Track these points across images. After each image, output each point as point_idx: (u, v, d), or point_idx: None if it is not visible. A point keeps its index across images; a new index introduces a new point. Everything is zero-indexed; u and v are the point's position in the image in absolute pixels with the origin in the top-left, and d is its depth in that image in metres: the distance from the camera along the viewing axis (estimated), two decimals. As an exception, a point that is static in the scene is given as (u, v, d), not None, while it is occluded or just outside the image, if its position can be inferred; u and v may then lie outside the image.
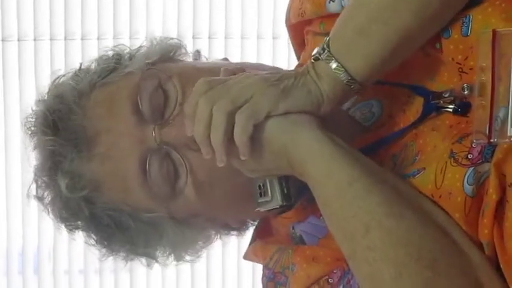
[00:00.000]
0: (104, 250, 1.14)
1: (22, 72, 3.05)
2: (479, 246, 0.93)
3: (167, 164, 1.05)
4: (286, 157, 0.97)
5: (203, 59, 1.20)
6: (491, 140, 0.92)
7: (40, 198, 1.12)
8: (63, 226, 1.13)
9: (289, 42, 1.24)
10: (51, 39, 3.04)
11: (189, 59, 1.18)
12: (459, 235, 0.94)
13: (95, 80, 1.10)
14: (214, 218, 1.14)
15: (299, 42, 1.20)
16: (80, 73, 1.13)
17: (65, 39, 3.05)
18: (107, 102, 1.08)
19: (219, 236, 1.18)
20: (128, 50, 1.15)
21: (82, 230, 1.13)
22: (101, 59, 1.14)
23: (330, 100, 0.97)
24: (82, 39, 3.06)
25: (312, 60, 0.98)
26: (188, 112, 0.99)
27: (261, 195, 1.04)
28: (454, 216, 0.94)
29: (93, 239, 1.13)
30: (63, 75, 1.14)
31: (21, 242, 3.13)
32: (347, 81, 0.96)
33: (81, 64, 1.15)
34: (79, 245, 3.10)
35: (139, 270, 3.16)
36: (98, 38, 3.06)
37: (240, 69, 1.04)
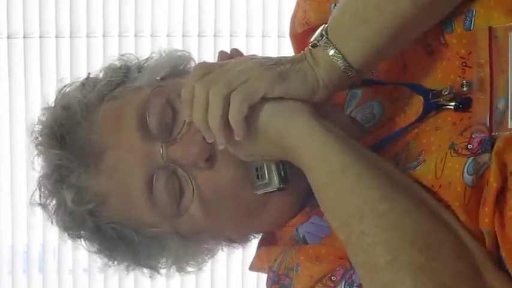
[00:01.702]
0: (105, 260, 1.15)
1: (27, 69, 3.06)
2: (479, 236, 0.93)
3: (173, 181, 1.05)
4: (280, 144, 0.98)
5: None
6: (493, 133, 0.92)
7: (44, 206, 1.12)
8: (66, 235, 1.13)
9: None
10: (56, 37, 3.05)
11: None
12: (455, 224, 0.93)
13: (102, 93, 1.10)
14: (218, 234, 1.15)
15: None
16: (88, 83, 1.13)
17: (71, 36, 3.06)
18: (114, 117, 1.08)
19: (221, 248, 1.18)
20: (136, 61, 1.16)
21: (85, 240, 1.13)
22: (108, 69, 1.14)
23: (326, 86, 0.98)
24: (88, 36, 3.06)
25: (310, 47, 0.98)
26: (185, 97, 0.99)
27: (258, 178, 1.04)
28: (453, 206, 0.93)
29: (96, 248, 1.13)
30: (71, 84, 1.14)
31: (26, 240, 3.14)
32: (344, 68, 0.97)
33: (89, 74, 1.15)
34: (83, 244, 3.11)
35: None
36: (104, 36, 3.06)
37: (238, 53, 1.05)
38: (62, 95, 1.12)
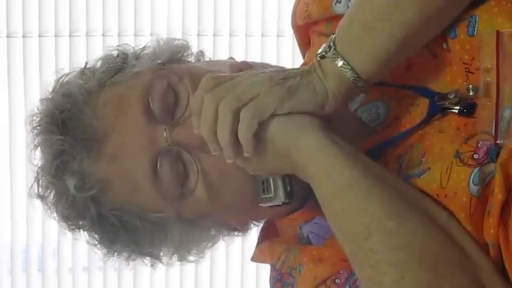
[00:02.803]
0: (106, 250, 1.13)
1: (27, 68, 3.05)
2: (484, 246, 0.93)
3: (177, 164, 1.05)
4: (288, 158, 0.98)
5: (207, 59, 1.20)
6: (498, 141, 0.92)
7: (42, 197, 1.11)
8: (65, 225, 1.12)
9: (294, 40, 1.24)
10: (56, 36, 3.04)
11: (194, 59, 1.17)
12: (461, 236, 0.93)
13: (103, 79, 1.09)
14: (221, 220, 1.14)
15: (305, 43, 1.20)
16: (87, 72, 1.12)
17: (70, 35, 3.05)
18: (116, 102, 1.07)
19: (221, 236, 1.17)
20: (132, 50, 1.15)
21: (85, 230, 1.12)
22: (106, 58, 1.13)
23: (335, 98, 0.97)
24: (87, 35, 3.06)
25: (318, 58, 0.98)
26: (194, 109, 0.99)
27: (264, 191, 1.04)
28: (459, 216, 0.93)
29: (96, 239, 1.12)
30: (68, 74, 1.12)
31: (25, 239, 3.14)
32: (353, 79, 0.96)
33: (86, 63, 1.14)
34: (83, 243, 3.10)
35: (143, 269, 3.16)
36: (103, 35, 3.06)
37: (247, 66, 1.05)
38: (61, 84, 1.11)
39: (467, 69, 0.99)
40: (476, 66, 0.98)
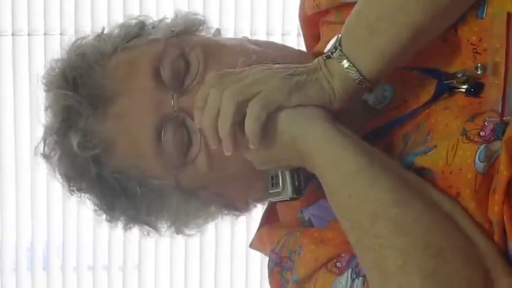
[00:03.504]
0: (104, 215, 1.13)
1: (16, 67, 3.07)
2: (488, 225, 0.93)
3: (182, 131, 1.05)
4: (295, 149, 0.98)
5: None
6: (504, 118, 0.92)
7: (47, 157, 1.11)
8: (67, 186, 1.12)
9: (299, 38, 1.24)
10: (61, 34, 3.05)
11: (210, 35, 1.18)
12: (465, 222, 0.93)
13: (118, 43, 1.11)
14: (220, 194, 1.14)
15: (314, 35, 1.20)
16: (103, 35, 1.13)
17: (60, 34, 3.06)
18: (128, 65, 1.08)
19: (221, 215, 1.17)
20: (151, 20, 1.16)
21: (85, 192, 1.12)
22: (123, 26, 1.14)
23: (342, 97, 0.98)
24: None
25: (324, 58, 0.99)
26: (198, 103, 0.99)
27: (272, 186, 1.04)
28: (463, 193, 0.93)
29: (95, 203, 1.12)
30: (85, 37, 1.13)
31: (30, 238, 3.14)
32: (359, 80, 0.97)
33: (103, 28, 1.15)
34: (88, 242, 3.12)
35: (147, 266, 3.16)
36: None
37: (255, 62, 1.04)
38: (76, 46, 1.12)
39: (474, 50, 0.99)
40: (483, 47, 0.98)
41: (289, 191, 1.03)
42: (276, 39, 3.16)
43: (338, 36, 0.98)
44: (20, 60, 3.07)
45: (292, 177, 1.03)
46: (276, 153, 0.99)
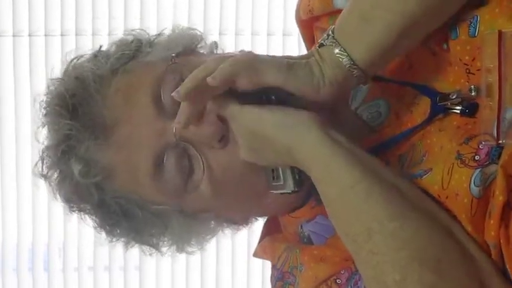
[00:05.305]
0: (106, 235, 1.14)
1: (17, 67, 3.06)
2: (485, 247, 0.92)
3: (183, 159, 1.05)
4: (290, 156, 0.98)
5: (220, 51, 1.20)
6: (499, 142, 0.92)
7: (46, 177, 1.11)
8: (67, 207, 1.12)
9: (300, 39, 1.24)
10: (62, 35, 3.05)
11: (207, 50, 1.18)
12: (464, 236, 0.93)
13: (116, 66, 1.09)
14: (222, 214, 1.14)
15: (309, 38, 1.21)
16: (100, 55, 1.11)
17: (76, 35, 3.06)
18: (127, 92, 1.07)
19: (222, 229, 1.18)
20: (146, 36, 1.15)
21: (87, 214, 1.12)
22: (120, 43, 1.13)
23: (331, 84, 0.98)
24: (93, 35, 3.07)
25: (317, 47, 0.99)
26: (182, 95, 0.99)
27: (273, 179, 1.04)
28: (460, 217, 0.93)
29: (97, 223, 1.12)
30: (81, 56, 1.12)
31: (31, 239, 3.14)
32: (349, 66, 0.97)
33: (100, 46, 1.14)
34: (89, 242, 3.12)
35: (148, 268, 3.16)
36: (109, 34, 3.06)
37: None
38: (73, 67, 1.11)
39: (467, 70, 0.99)
40: (476, 67, 0.98)
41: (291, 185, 1.03)
42: (277, 39, 3.16)
43: (332, 26, 0.99)
44: (20, 61, 3.06)
45: (292, 171, 1.03)
46: (270, 156, 1.00)
